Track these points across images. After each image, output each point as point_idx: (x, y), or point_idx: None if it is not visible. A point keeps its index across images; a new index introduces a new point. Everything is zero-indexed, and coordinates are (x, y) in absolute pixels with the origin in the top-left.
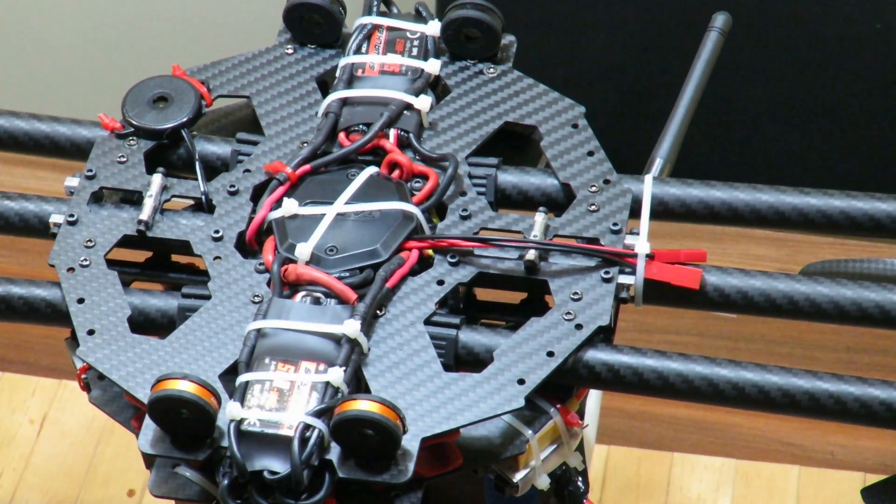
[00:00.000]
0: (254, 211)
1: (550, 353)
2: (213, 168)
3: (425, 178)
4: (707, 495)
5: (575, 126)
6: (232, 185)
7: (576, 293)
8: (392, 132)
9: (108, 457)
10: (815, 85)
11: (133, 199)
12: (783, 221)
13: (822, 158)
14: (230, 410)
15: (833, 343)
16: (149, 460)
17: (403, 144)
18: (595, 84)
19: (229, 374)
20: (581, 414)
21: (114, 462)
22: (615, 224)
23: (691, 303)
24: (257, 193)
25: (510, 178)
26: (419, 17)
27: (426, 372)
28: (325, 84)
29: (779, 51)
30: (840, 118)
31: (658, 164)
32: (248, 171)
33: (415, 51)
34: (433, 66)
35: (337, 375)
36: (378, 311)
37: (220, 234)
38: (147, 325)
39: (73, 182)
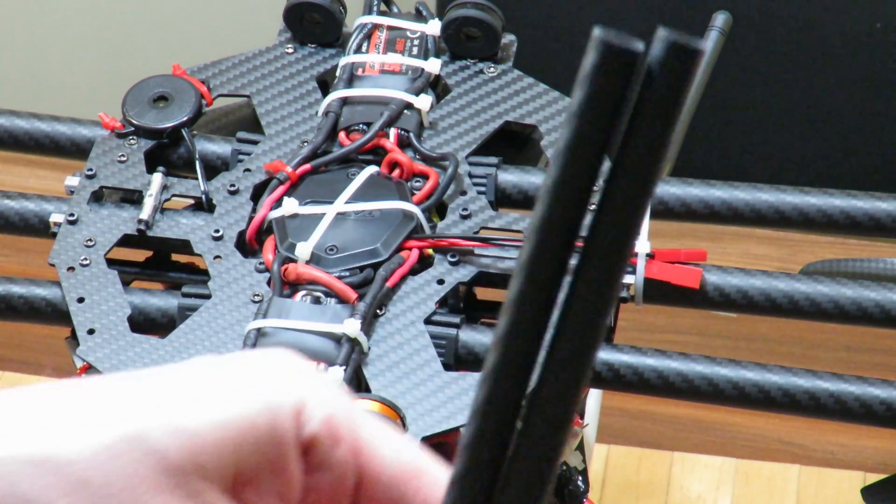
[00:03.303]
0: (254, 210)
1: None
2: (214, 167)
3: (425, 177)
4: (707, 494)
5: None
6: (232, 185)
7: None
8: (392, 131)
9: None
10: (815, 85)
11: (133, 198)
12: (783, 221)
13: (822, 158)
14: None
15: (833, 342)
16: None
17: (403, 144)
18: None
19: None
20: (581, 413)
21: None
22: None
23: (691, 302)
24: (257, 193)
25: (510, 177)
26: (419, 16)
27: (426, 371)
28: (325, 83)
29: (779, 51)
30: (840, 118)
31: None
32: (248, 170)
33: (415, 50)
34: (433, 66)
35: (337, 375)
36: (378, 311)
37: (220, 233)
38: (147, 324)
39: (73, 181)
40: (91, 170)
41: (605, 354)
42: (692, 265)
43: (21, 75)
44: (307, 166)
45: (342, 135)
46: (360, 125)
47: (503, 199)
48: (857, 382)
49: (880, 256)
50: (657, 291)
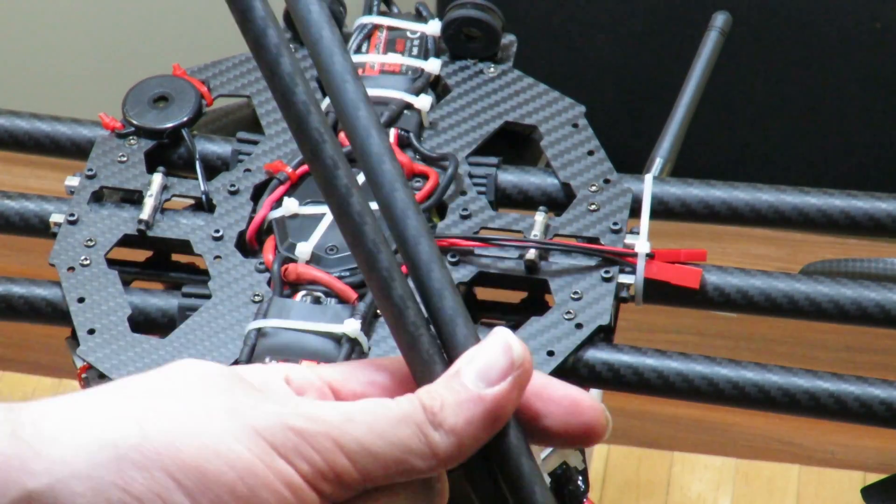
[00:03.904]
0: (254, 210)
1: (550, 353)
2: (214, 167)
3: (425, 177)
4: (707, 494)
5: (575, 125)
6: (232, 185)
7: (576, 292)
8: (392, 131)
9: None
10: (815, 85)
11: (133, 198)
12: (783, 221)
13: (822, 158)
14: None
15: (833, 342)
16: None
17: (403, 144)
18: (595, 84)
19: None
20: None
21: None
22: (615, 223)
23: (691, 302)
24: (258, 193)
25: (510, 177)
26: (419, 16)
27: None
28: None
29: (779, 51)
30: (840, 118)
31: (658, 163)
32: (248, 170)
33: (415, 50)
34: (433, 66)
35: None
36: (378, 311)
37: (220, 233)
38: (147, 324)
39: (73, 181)
40: (91, 170)
41: (605, 354)
42: (692, 265)
43: (21, 75)
44: (307, 166)
45: (342, 135)
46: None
47: (503, 199)
48: (857, 382)
49: (880, 256)
50: (657, 291)
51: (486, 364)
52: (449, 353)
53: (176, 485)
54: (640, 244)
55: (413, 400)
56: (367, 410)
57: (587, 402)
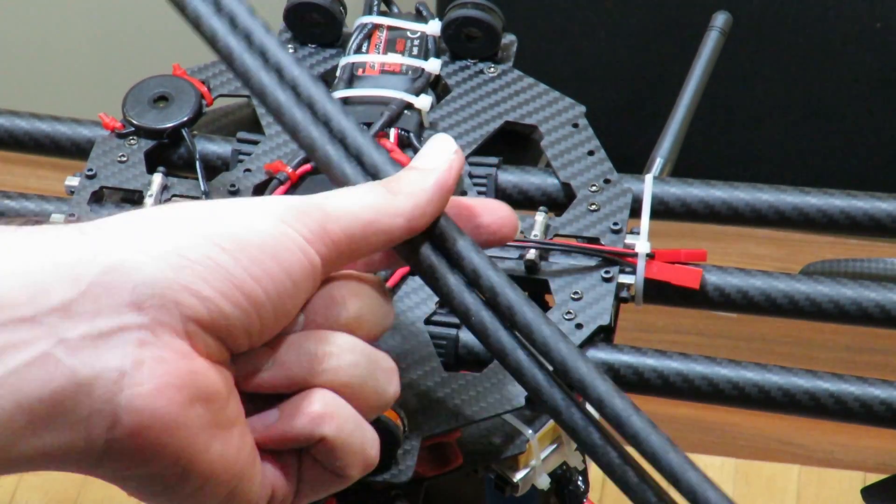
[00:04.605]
0: None
1: None
2: (214, 167)
3: None
4: None
5: (575, 125)
6: (232, 185)
7: (576, 292)
8: (392, 132)
9: None
10: (816, 85)
11: (134, 198)
12: (783, 221)
13: (822, 158)
14: None
15: (833, 342)
16: None
17: (404, 144)
18: (595, 84)
19: None
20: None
21: None
22: (615, 223)
23: (691, 302)
24: (258, 193)
25: (510, 177)
26: (420, 16)
27: (426, 370)
28: (325, 83)
29: (779, 51)
30: (840, 118)
31: (658, 163)
32: (248, 170)
33: (415, 50)
34: (433, 66)
35: None
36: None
37: None
38: None
39: (73, 181)
40: (91, 170)
41: (605, 354)
42: (692, 265)
43: (21, 75)
44: (307, 166)
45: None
46: (361, 125)
47: (503, 199)
48: (857, 382)
49: (880, 256)
50: (657, 291)
51: (429, 154)
52: (360, 161)
53: (219, 248)
54: (641, 244)
55: (374, 183)
56: (341, 191)
57: (500, 204)
